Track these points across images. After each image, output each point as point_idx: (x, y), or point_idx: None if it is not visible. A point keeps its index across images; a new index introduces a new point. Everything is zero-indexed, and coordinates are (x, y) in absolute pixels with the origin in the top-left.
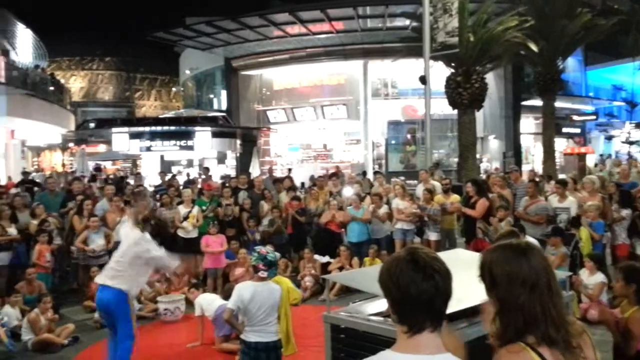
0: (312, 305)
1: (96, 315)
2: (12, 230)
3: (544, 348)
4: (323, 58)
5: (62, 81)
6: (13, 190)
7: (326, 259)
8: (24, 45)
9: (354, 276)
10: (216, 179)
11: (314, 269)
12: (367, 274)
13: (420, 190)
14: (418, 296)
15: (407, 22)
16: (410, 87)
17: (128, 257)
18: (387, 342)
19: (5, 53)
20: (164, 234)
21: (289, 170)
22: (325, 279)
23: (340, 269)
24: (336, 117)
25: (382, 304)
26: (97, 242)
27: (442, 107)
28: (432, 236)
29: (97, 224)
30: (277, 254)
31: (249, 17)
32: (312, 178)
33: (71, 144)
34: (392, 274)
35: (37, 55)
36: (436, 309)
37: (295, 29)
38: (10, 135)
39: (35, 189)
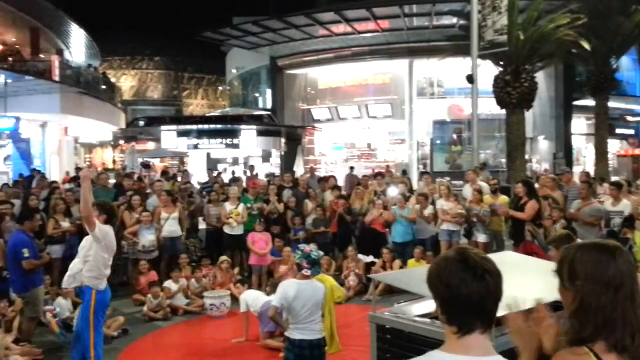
0: (355, 304)
1: (145, 308)
2: (66, 225)
3: (612, 355)
4: (368, 57)
5: (114, 80)
6: (66, 186)
7: (370, 258)
8: (78, 45)
9: (401, 276)
10: (261, 177)
11: (357, 268)
12: (413, 275)
13: (467, 190)
14: (468, 297)
15: (455, 20)
16: (457, 86)
17: None
18: (433, 344)
19: (60, 53)
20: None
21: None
22: (370, 278)
23: (384, 270)
24: (381, 117)
25: (427, 306)
26: (148, 238)
27: (489, 107)
28: (481, 238)
29: (149, 219)
30: (321, 253)
31: (295, 16)
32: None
33: (122, 142)
34: (441, 274)
35: (90, 55)
36: (487, 310)
37: (341, 28)
38: (64, 133)
39: None
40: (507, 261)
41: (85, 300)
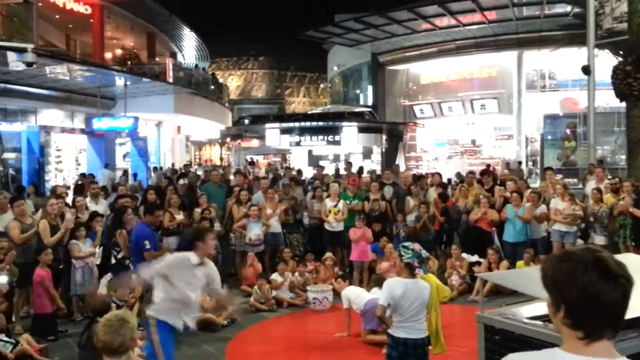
0: (459, 305)
1: (251, 299)
2: (180, 217)
3: None
4: (473, 50)
5: (221, 80)
6: (180, 182)
7: (475, 258)
8: (189, 47)
9: (511, 276)
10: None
11: (461, 267)
12: (525, 275)
13: (590, 187)
14: (605, 305)
15: (568, 8)
16: (571, 78)
17: None
18: (545, 347)
19: (173, 55)
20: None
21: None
22: (474, 278)
23: (489, 270)
24: (486, 112)
25: (538, 307)
26: (255, 231)
27: (607, 99)
28: (598, 239)
29: (256, 213)
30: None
31: (397, 11)
32: (458, 174)
33: (228, 139)
34: (576, 278)
35: (200, 57)
36: (619, 317)
37: (445, 21)
38: (177, 131)
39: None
40: (630, 264)
41: None
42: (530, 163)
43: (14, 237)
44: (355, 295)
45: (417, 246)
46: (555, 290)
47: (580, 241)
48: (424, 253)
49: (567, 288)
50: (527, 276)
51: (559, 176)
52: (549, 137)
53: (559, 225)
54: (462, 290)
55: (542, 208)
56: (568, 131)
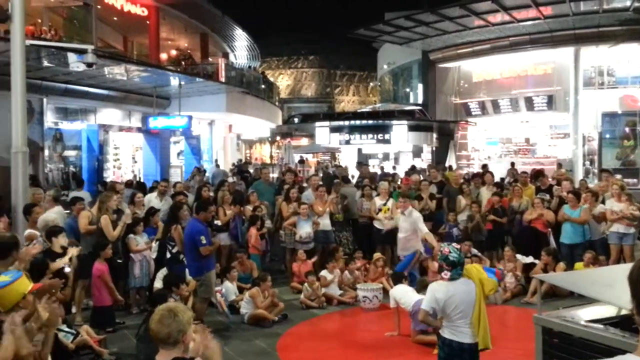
0: (513, 306)
1: (302, 296)
2: (231, 214)
3: None
4: (528, 46)
5: (272, 79)
6: (230, 179)
7: (530, 259)
8: (241, 47)
9: (570, 278)
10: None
11: (515, 269)
12: (585, 277)
13: None
14: None
15: (628, 2)
16: (630, 74)
17: None
18: (605, 351)
19: (225, 55)
20: None
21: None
22: (528, 279)
23: (544, 272)
24: (541, 109)
25: (598, 310)
26: (305, 229)
27: None
28: None
29: (307, 211)
30: (474, 251)
31: (449, 8)
32: (512, 173)
33: (278, 137)
34: None
35: (251, 57)
36: None
37: (498, 17)
38: (229, 130)
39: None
40: None
41: None
42: (587, 162)
43: (80, 226)
44: (403, 294)
45: (447, 248)
46: (630, 290)
47: None
48: (454, 256)
49: (637, 285)
50: (587, 278)
51: (618, 176)
52: (607, 136)
53: (617, 227)
54: (516, 292)
55: (601, 207)
56: (627, 129)
